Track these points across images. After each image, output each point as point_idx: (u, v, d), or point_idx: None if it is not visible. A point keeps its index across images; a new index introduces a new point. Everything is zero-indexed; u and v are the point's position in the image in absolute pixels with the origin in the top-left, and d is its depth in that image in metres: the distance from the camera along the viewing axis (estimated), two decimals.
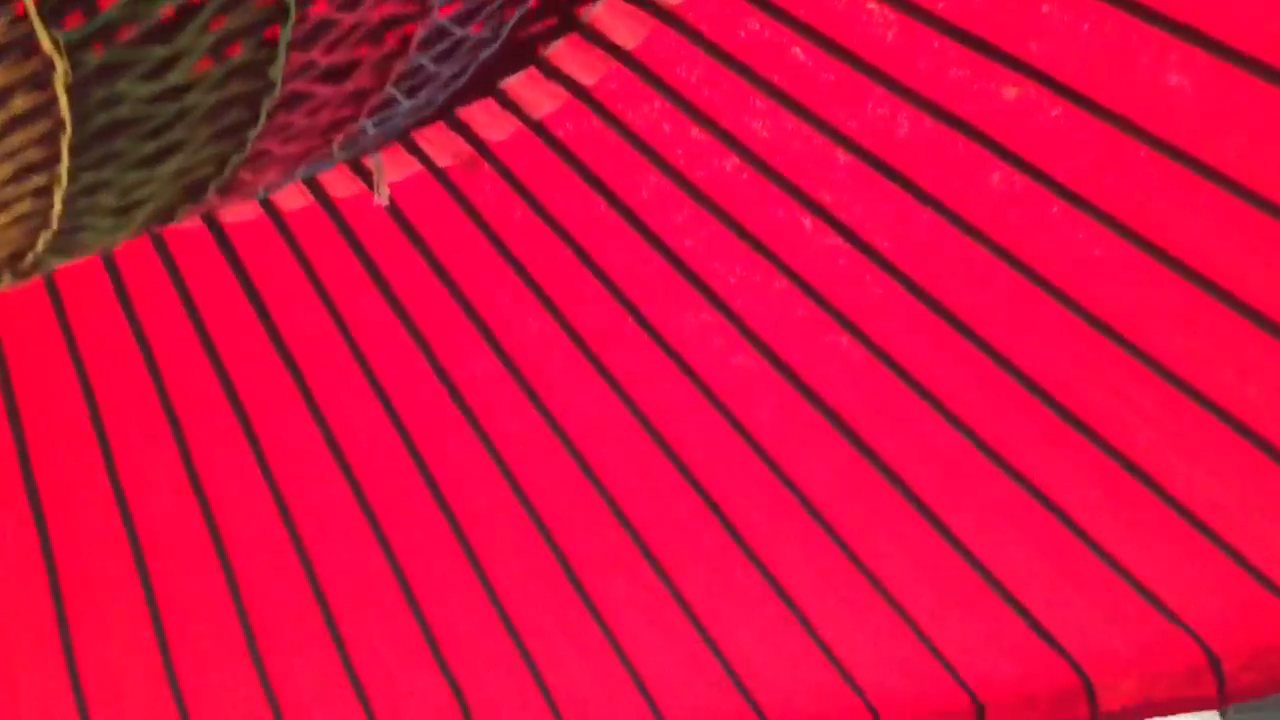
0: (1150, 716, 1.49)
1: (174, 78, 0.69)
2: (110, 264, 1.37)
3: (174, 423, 1.47)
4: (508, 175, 1.25)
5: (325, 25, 0.75)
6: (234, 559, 1.56)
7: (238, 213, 1.29)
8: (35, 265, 0.78)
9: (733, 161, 1.21)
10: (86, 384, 1.45)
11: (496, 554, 1.57)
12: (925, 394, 1.31)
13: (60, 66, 0.62)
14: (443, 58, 0.92)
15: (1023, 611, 1.47)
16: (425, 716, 1.71)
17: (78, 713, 1.66)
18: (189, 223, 1.24)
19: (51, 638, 1.61)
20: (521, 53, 1.13)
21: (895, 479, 1.39)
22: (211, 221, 1.30)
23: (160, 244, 1.34)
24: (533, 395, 1.40)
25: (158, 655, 1.65)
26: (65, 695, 1.67)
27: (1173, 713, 1.47)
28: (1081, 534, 1.38)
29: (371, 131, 0.94)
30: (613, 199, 1.24)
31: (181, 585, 1.55)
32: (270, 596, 1.57)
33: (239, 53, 0.71)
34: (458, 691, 1.66)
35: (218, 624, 1.62)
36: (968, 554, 1.42)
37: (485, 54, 0.99)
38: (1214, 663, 1.43)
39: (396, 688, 1.69)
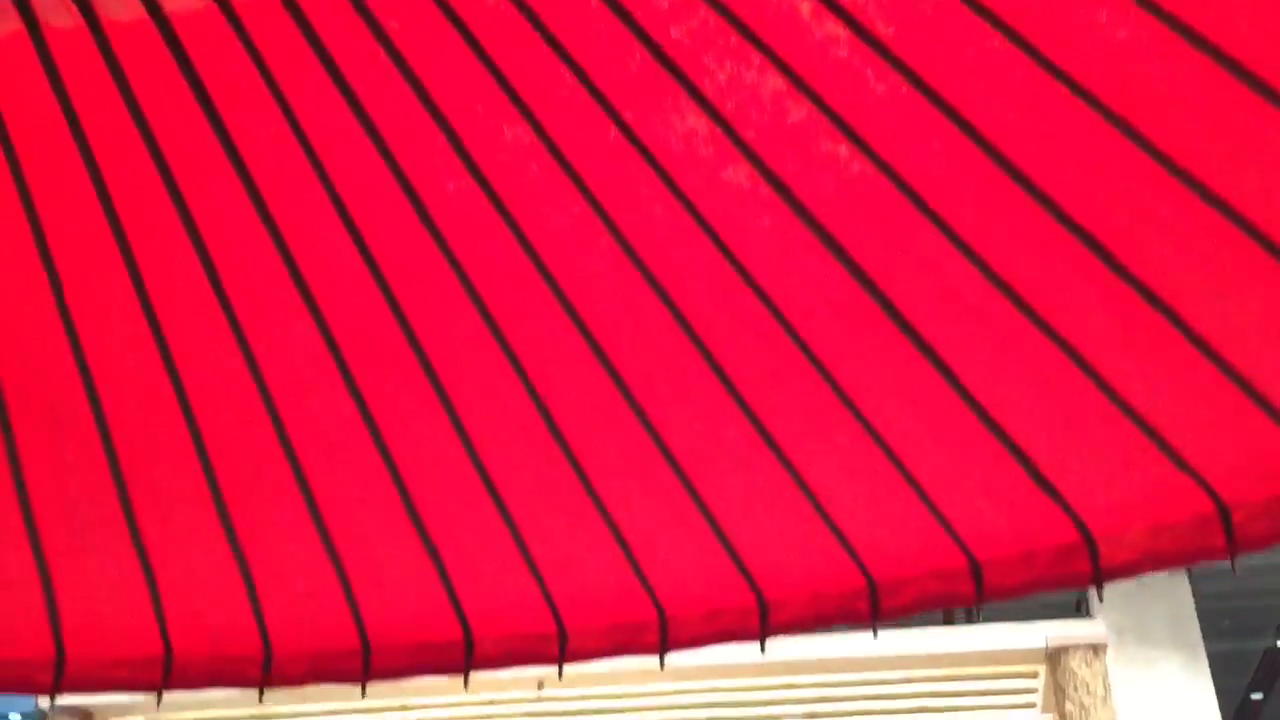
0: (1155, 570, 1.41)
1: None
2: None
3: (127, 252, 1.38)
4: None
5: None
6: (193, 399, 1.47)
7: (184, 2, 1.19)
8: None
9: None
10: (29, 202, 1.36)
11: (471, 399, 1.48)
12: (929, 211, 1.22)
13: None
14: None
15: (1023, 459, 1.39)
16: (399, 575, 1.64)
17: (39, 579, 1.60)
18: (131, 13, 1.14)
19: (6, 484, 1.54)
20: None
21: (894, 312, 1.30)
22: (156, 11, 1.20)
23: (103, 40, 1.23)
24: (507, 215, 1.30)
25: (119, 510, 1.57)
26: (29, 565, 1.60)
27: (1179, 565, 1.39)
28: (1087, 368, 1.30)
29: None
30: None
31: (139, 423, 1.47)
32: (233, 438, 1.49)
33: None
34: (433, 550, 1.59)
35: (181, 475, 1.54)
36: (968, 395, 1.34)
37: None
38: (1223, 512, 1.36)
39: (369, 545, 1.62)
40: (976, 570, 1.49)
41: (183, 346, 1.44)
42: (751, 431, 1.42)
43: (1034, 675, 3.65)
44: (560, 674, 1.63)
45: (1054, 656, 3.31)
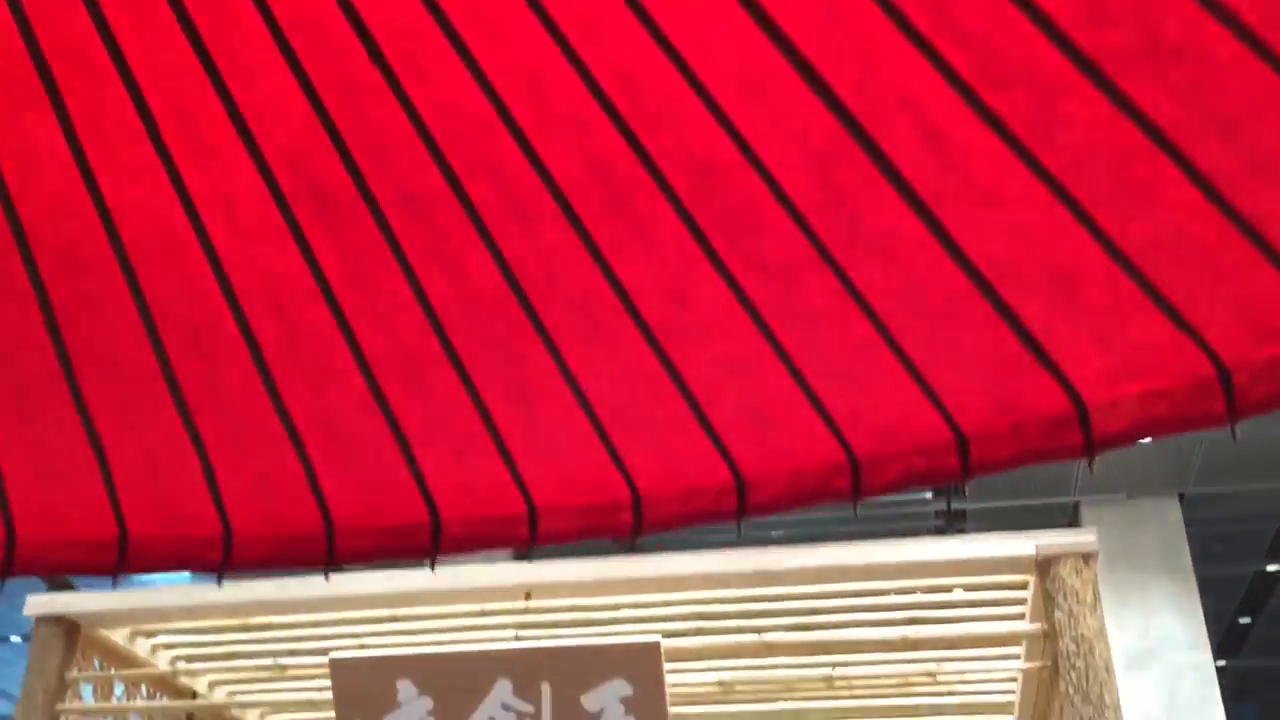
0: (1150, 437, 1.34)
1: None
2: None
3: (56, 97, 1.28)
4: None
5: None
6: (138, 266, 1.38)
7: None
8: None
9: None
10: None
11: (435, 267, 1.39)
12: (921, 42, 1.12)
13: None
14: None
15: (1013, 321, 1.31)
16: (361, 455, 1.57)
17: None
18: None
19: None
20: None
21: (878, 153, 1.20)
22: None
23: None
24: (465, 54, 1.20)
25: (66, 388, 1.50)
26: None
27: (1174, 432, 1.33)
28: (1081, 213, 1.21)
29: None
30: None
31: (81, 294, 1.39)
32: (181, 308, 1.40)
33: None
34: (396, 427, 1.52)
35: (128, 349, 1.46)
36: (956, 250, 1.26)
37: None
38: (1223, 375, 1.28)
39: (330, 423, 1.55)
40: (963, 444, 1.42)
41: (122, 207, 1.35)
42: (729, 295, 1.34)
43: (1024, 586, 3.63)
44: (529, 551, 1.57)
45: (1044, 565, 3.28)
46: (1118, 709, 3.33)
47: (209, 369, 1.42)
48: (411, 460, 1.50)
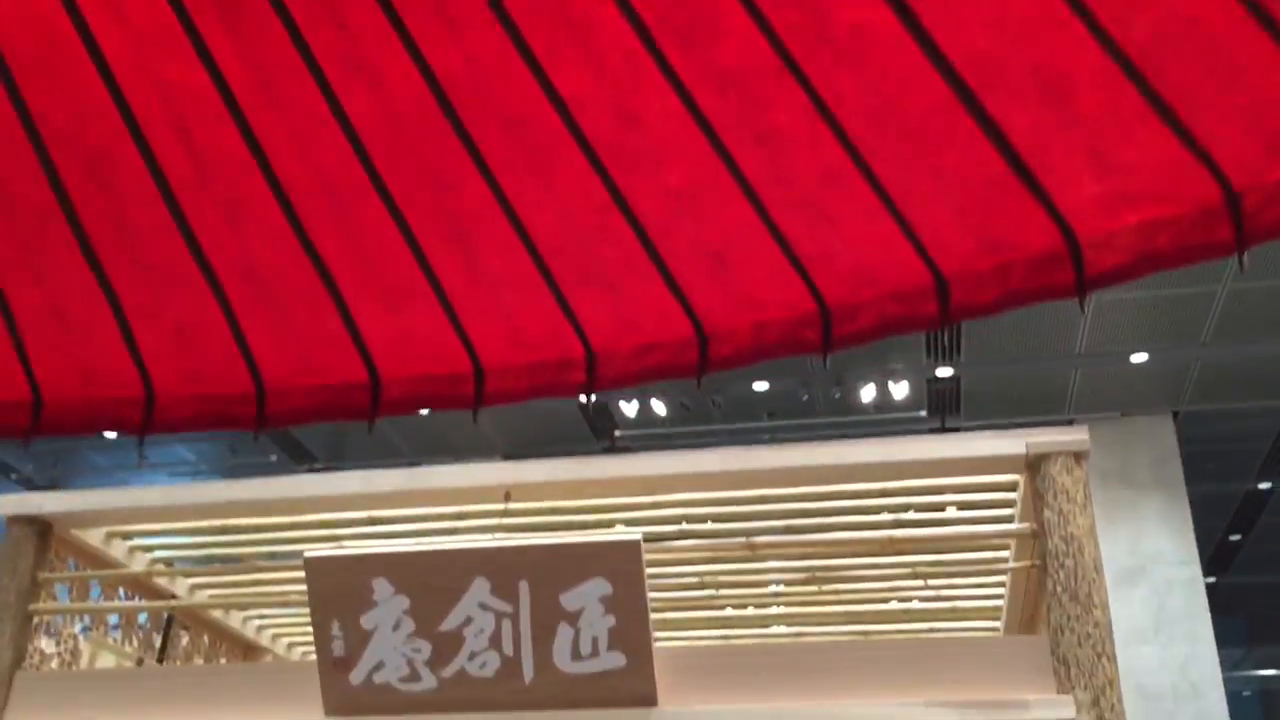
0: (1147, 273, 1.22)
1: None
2: None
3: None
4: None
5: None
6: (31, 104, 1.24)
7: None
8: None
9: None
10: None
11: (368, 112, 1.26)
12: None
13: None
14: None
15: (1000, 140, 1.17)
16: (295, 311, 1.45)
17: None
18: None
19: None
20: None
21: None
22: None
23: None
24: None
25: None
26: None
27: (1176, 266, 1.20)
28: (1090, 22, 1.07)
29: None
30: None
31: None
32: (89, 155, 1.27)
33: None
34: (330, 281, 1.40)
35: (32, 199, 1.33)
36: (931, 46, 1.11)
37: None
38: (1231, 199, 1.15)
39: (259, 277, 1.43)
40: (943, 287, 1.30)
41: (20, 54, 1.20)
42: (681, 112, 1.20)
43: (1013, 487, 3.55)
44: (475, 417, 1.46)
45: (1034, 464, 3.19)
46: (1105, 608, 3.28)
47: (112, 204, 1.28)
48: (344, 309, 1.38)
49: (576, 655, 3.15)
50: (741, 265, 1.31)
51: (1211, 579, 12.83)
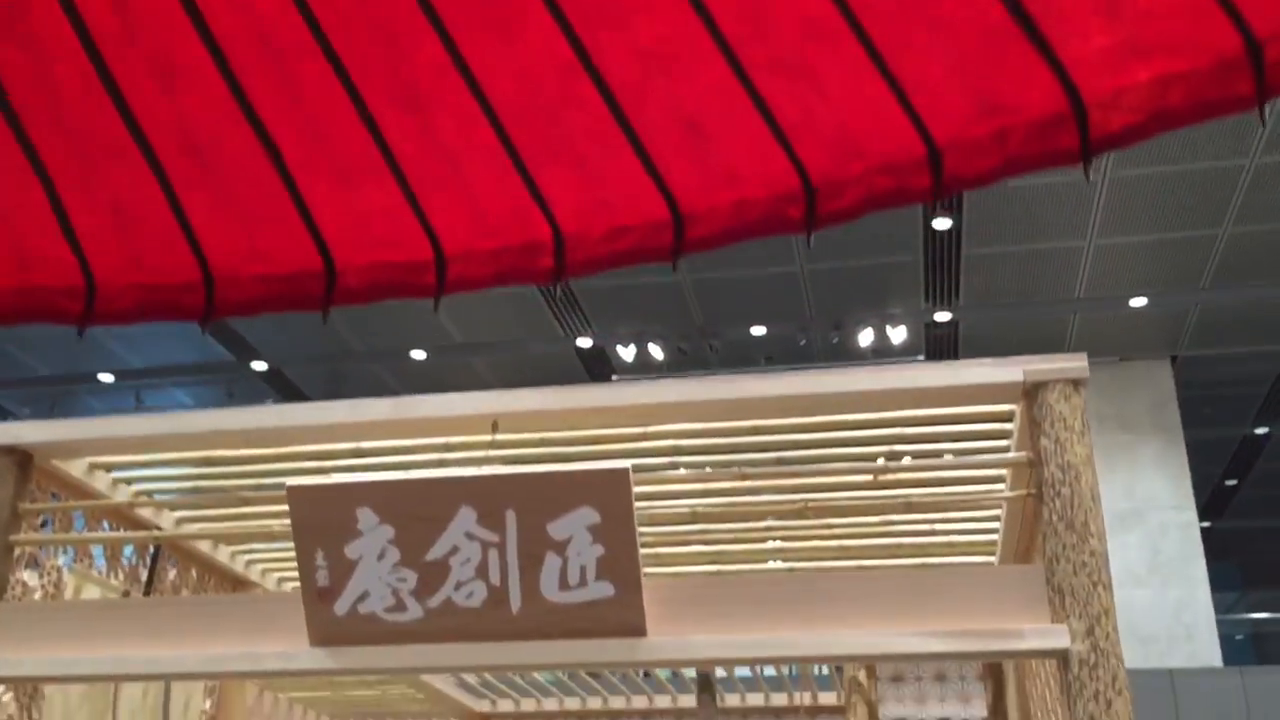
0: (1158, 133, 1.12)
1: None
2: None
3: None
4: None
5: None
6: None
7: None
8: None
9: None
10: None
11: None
12: None
13: None
14: None
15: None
16: (244, 194, 1.36)
17: None
18: None
19: None
20: None
21: None
22: None
23: None
24: None
25: None
26: None
27: (1192, 123, 1.10)
28: None
29: None
30: None
31: None
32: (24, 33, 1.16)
33: None
34: (281, 163, 1.30)
35: None
36: None
37: None
38: (1253, 49, 1.05)
39: (205, 159, 1.33)
40: (935, 157, 1.20)
41: None
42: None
43: (1009, 418, 3.48)
44: (436, 307, 1.37)
45: (1031, 392, 3.11)
46: (1102, 537, 3.22)
47: (34, 64, 1.18)
48: (292, 186, 1.28)
49: (564, 585, 3.10)
50: (719, 135, 1.22)
51: (1207, 523, 12.87)
